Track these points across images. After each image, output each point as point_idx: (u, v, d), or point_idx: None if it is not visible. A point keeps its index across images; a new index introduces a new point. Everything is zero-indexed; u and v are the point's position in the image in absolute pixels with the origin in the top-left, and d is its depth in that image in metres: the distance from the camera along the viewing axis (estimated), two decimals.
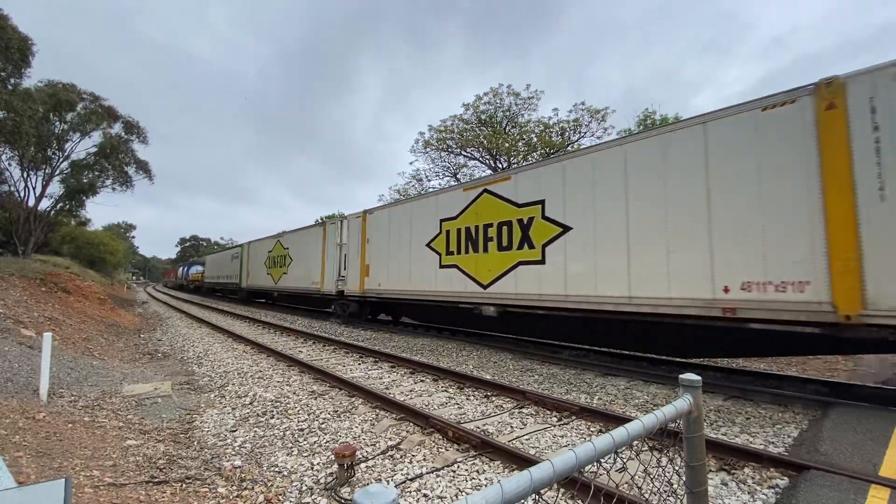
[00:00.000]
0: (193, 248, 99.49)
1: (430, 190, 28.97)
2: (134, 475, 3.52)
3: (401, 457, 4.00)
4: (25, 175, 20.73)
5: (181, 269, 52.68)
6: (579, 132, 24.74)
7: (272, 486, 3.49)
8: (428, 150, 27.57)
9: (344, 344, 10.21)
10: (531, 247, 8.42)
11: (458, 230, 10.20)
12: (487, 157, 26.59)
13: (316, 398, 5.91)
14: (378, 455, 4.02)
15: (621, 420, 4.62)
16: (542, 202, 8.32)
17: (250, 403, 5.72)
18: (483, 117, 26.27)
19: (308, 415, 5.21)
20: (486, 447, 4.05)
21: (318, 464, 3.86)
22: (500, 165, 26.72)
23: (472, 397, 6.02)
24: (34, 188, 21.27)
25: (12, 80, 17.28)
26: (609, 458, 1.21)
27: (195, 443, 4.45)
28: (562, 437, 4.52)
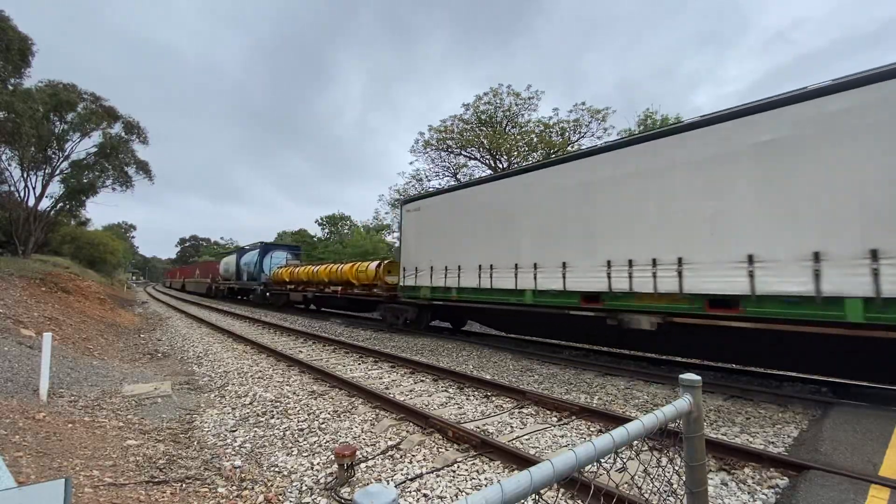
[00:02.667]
0: (193, 248, 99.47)
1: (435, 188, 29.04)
2: (134, 475, 3.52)
3: (401, 457, 4.00)
4: (25, 175, 20.73)
5: (234, 259, 28.06)
6: (579, 132, 24.75)
7: (272, 486, 3.49)
8: (428, 150, 27.58)
9: (344, 344, 10.21)
10: None
11: None
12: (487, 157, 26.60)
13: (316, 398, 5.91)
14: (378, 455, 4.02)
15: (621, 420, 4.62)
16: None
17: (250, 403, 5.72)
18: (483, 117, 26.27)
19: (308, 415, 5.21)
20: (486, 447, 4.05)
21: (318, 464, 3.86)
22: (500, 165, 26.73)
23: (472, 397, 6.01)
24: (34, 188, 21.29)
25: (12, 81, 17.28)
26: (609, 458, 1.21)
27: (195, 443, 4.45)
28: (562, 437, 4.52)
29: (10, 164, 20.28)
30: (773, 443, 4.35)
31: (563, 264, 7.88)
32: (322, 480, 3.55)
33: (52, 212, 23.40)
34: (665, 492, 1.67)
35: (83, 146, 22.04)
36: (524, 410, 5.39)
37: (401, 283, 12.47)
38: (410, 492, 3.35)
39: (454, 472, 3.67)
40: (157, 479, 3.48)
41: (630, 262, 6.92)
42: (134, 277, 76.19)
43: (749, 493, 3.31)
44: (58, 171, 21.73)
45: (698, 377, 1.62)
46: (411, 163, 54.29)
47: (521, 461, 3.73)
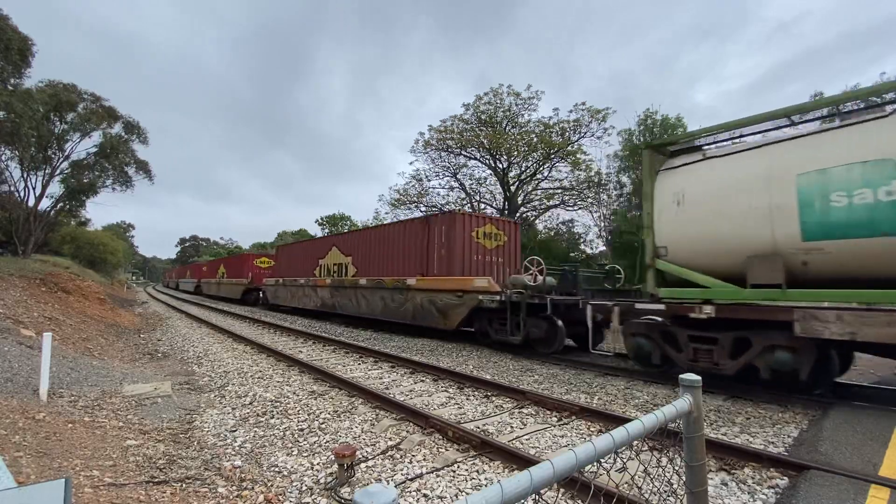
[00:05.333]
0: (193, 248, 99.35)
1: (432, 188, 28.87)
2: (134, 475, 3.52)
3: (401, 457, 4.00)
4: (25, 175, 20.74)
5: None
6: (579, 132, 24.76)
7: (272, 486, 3.49)
8: (428, 150, 27.59)
9: (344, 344, 10.21)
10: None
11: None
12: (487, 157, 26.61)
13: (316, 398, 5.91)
14: (378, 455, 4.02)
15: (621, 420, 4.62)
16: None
17: (250, 403, 5.72)
18: (483, 117, 26.28)
19: (308, 415, 5.21)
20: (486, 447, 4.05)
21: (318, 464, 3.86)
22: (500, 165, 26.75)
23: (472, 397, 6.02)
24: (34, 188, 21.30)
25: (12, 81, 17.29)
26: (609, 458, 1.21)
27: (195, 443, 4.45)
28: (562, 437, 4.52)
29: (10, 165, 20.31)
30: (773, 443, 4.35)
31: None
32: (322, 480, 3.55)
33: (52, 212, 23.41)
34: (665, 492, 1.67)
35: (83, 146, 22.07)
36: (524, 410, 5.39)
37: None
38: (410, 492, 3.35)
39: (454, 472, 3.67)
40: (157, 479, 3.48)
41: None
42: (134, 277, 76.10)
43: (749, 493, 3.31)
44: (58, 172, 21.75)
45: (698, 377, 1.61)
46: (411, 163, 54.36)
47: (521, 461, 3.73)
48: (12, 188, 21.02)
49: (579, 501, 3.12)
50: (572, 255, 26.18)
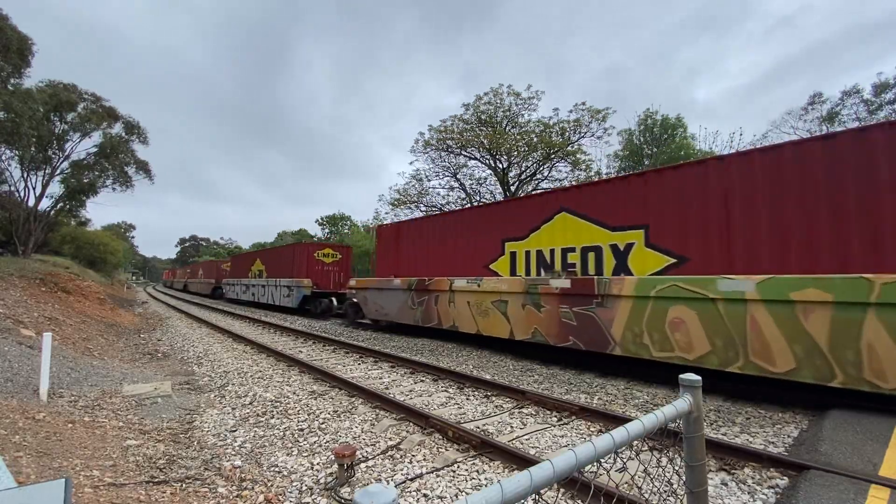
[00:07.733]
0: (193, 248, 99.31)
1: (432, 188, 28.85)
2: (134, 475, 3.52)
3: (401, 457, 4.00)
4: (25, 175, 20.72)
5: None
6: (580, 132, 24.75)
7: (272, 485, 3.49)
8: (428, 150, 27.58)
9: (344, 344, 10.21)
10: None
11: None
12: (487, 157, 26.61)
13: (316, 398, 5.91)
14: (378, 455, 4.02)
15: (621, 420, 4.62)
16: None
17: (250, 403, 5.72)
18: (483, 117, 26.28)
19: (308, 415, 5.21)
20: (486, 447, 4.05)
21: (318, 464, 3.86)
22: (501, 165, 26.75)
23: (472, 397, 6.02)
24: (34, 188, 21.28)
25: (12, 81, 17.29)
26: (609, 458, 1.21)
27: (195, 443, 4.45)
28: (562, 437, 4.52)
29: (10, 164, 20.30)
30: (773, 443, 4.35)
31: None
32: (322, 480, 3.55)
33: (52, 212, 23.39)
34: (665, 492, 1.67)
35: (83, 146, 22.08)
36: (524, 410, 5.39)
37: None
38: (410, 492, 3.35)
39: (454, 472, 3.67)
40: (157, 479, 3.48)
41: None
42: (134, 278, 76.12)
43: (749, 493, 3.31)
44: (58, 171, 21.72)
45: (698, 377, 1.61)
46: (411, 163, 54.43)
47: (521, 461, 3.73)
48: (12, 188, 21.01)
49: (579, 501, 3.12)
50: None
